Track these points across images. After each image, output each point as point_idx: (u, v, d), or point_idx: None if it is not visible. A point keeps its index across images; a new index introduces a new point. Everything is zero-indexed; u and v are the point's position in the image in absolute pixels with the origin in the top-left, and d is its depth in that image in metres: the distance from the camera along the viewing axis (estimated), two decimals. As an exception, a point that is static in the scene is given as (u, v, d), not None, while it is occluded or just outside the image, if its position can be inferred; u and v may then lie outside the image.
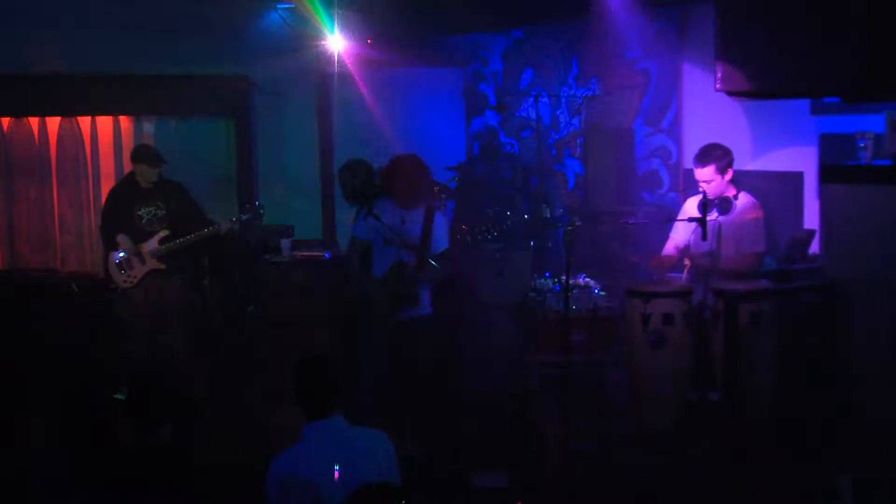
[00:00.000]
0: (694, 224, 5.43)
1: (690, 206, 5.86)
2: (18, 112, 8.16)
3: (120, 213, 6.80)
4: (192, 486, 3.51)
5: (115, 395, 6.80)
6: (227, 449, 5.42)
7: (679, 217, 5.94)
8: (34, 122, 8.23)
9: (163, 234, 6.73)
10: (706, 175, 5.69)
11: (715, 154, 5.69)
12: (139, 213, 6.75)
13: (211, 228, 6.68)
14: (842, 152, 4.99)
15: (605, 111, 8.16)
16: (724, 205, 5.65)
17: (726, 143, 5.77)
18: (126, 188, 6.90)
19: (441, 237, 5.77)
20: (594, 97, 8.20)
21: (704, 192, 5.68)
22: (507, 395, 6.34)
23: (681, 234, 5.95)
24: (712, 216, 5.46)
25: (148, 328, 6.75)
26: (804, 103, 5.84)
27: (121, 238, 6.72)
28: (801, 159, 5.99)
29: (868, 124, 4.92)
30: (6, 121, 8.16)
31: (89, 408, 3.73)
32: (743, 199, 5.71)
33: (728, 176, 5.73)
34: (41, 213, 8.28)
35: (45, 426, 4.96)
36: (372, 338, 5.68)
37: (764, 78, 4.59)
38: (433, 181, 6.03)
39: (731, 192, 5.74)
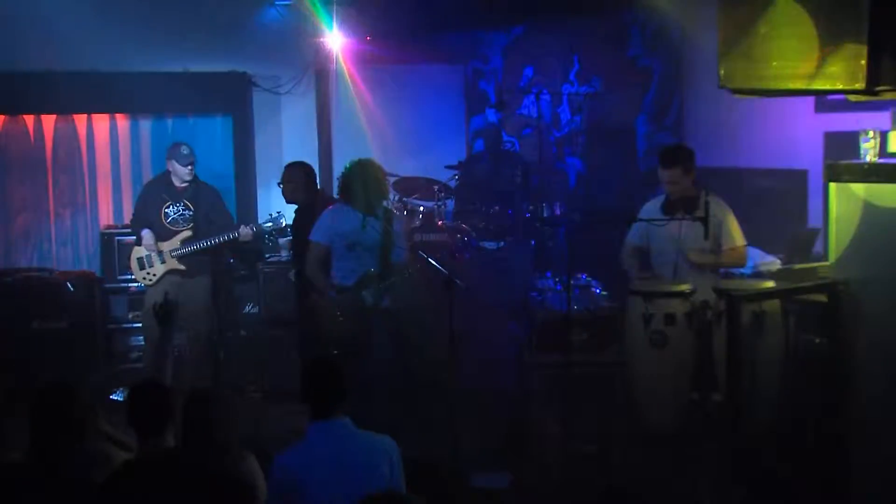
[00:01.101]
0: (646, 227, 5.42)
1: (651, 209, 5.83)
2: (13, 110, 8.15)
3: (149, 210, 6.81)
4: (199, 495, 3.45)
5: (112, 396, 6.88)
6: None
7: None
8: (29, 120, 8.22)
9: (185, 234, 6.72)
10: (674, 176, 5.68)
11: (681, 155, 5.70)
12: (166, 210, 6.75)
13: (231, 235, 6.68)
14: (847, 150, 4.98)
15: (607, 109, 8.16)
16: (689, 205, 5.63)
17: (730, 141, 5.78)
18: (158, 185, 6.91)
19: (400, 247, 5.73)
20: (596, 94, 8.20)
21: (667, 194, 5.66)
22: (508, 395, 6.36)
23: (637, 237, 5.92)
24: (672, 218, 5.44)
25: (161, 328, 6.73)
26: (809, 101, 5.84)
27: (145, 234, 6.72)
28: (805, 157, 5.99)
29: (873, 122, 4.91)
30: (1, 119, 8.16)
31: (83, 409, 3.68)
32: (711, 201, 5.69)
33: (692, 175, 5.71)
34: (36, 212, 8.28)
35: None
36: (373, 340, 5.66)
37: (767, 76, 4.59)
38: (388, 187, 6.02)
39: (692, 194, 5.71)
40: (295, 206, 6.46)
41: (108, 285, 7.75)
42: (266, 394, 7.12)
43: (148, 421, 3.64)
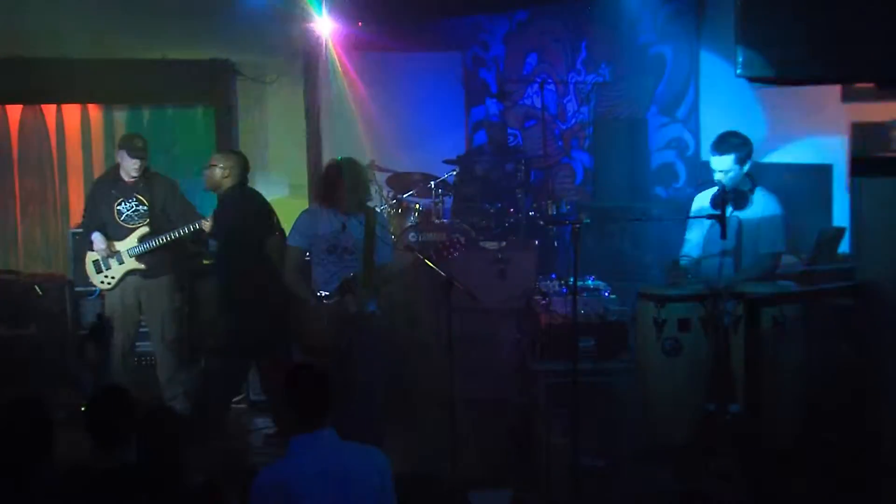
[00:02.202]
0: (709, 222, 5.39)
1: (701, 202, 5.81)
2: (-25, 99, 8.13)
3: (100, 209, 6.72)
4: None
5: (83, 408, 6.85)
6: (206, 466, 5.43)
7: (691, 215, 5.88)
8: (-7, 109, 8.21)
9: (142, 231, 6.66)
10: (724, 164, 5.64)
11: (735, 142, 5.64)
12: (118, 207, 6.67)
13: (195, 226, 6.61)
14: (875, 142, 4.96)
15: (617, 99, 8.15)
16: (740, 200, 5.60)
17: (748, 134, 5.73)
18: (106, 181, 6.82)
19: (384, 249, 5.70)
20: (604, 84, 8.18)
21: (722, 185, 5.63)
22: (509, 405, 6.34)
23: (697, 233, 5.90)
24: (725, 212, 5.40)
25: (126, 334, 6.69)
26: (834, 90, 5.81)
27: (95, 237, 6.64)
28: (830, 150, 5.96)
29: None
30: (-40, 109, 8.14)
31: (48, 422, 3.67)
32: (760, 195, 5.67)
33: (746, 168, 5.68)
34: (2, 209, 8.24)
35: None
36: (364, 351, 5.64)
37: (789, 63, 4.56)
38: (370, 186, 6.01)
39: (746, 187, 5.69)
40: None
41: (79, 289, 7.66)
42: (252, 404, 7.09)
43: (106, 431, 3.64)
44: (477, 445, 5.83)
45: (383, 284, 5.67)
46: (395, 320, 6.73)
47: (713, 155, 5.66)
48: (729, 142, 5.63)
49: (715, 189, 5.66)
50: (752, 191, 5.63)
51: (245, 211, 6.30)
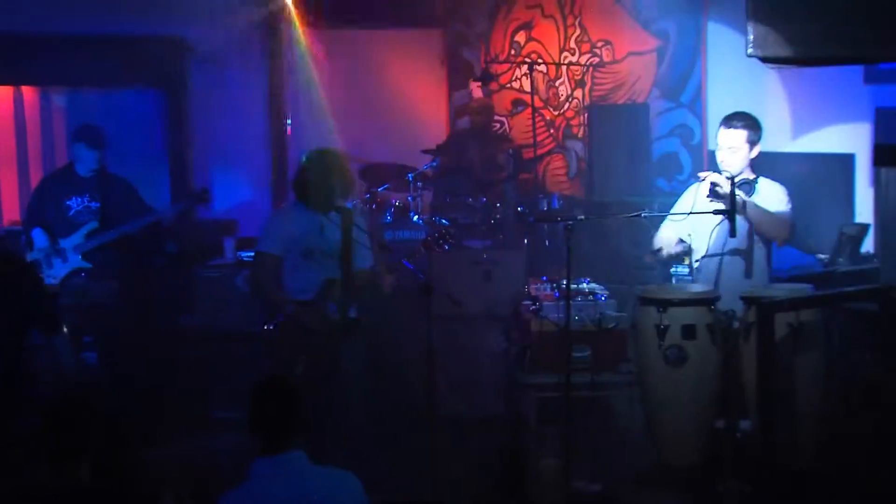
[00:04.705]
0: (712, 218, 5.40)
1: (693, 199, 5.77)
2: None
3: (45, 204, 6.75)
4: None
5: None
6: (160, 490, 5.38)
7: (680, 206, 5.85)
8: None
9: (91, 227, 6.67)
10: (734, 140, 5.61)
11: (747, 121, 5.64)
12: (68, 202, 6.70)
13: (149, 220, 6.60)
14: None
15: (614, 82, 8.16)
16: (743, 190, 5.59)
17: (761, 121, 5.73)
18: (58, 176, 6.90)
19: (363, 252, 5.68)
20: (601, 65, 8.18)
21: (731, 176, 5.60)
22: (496, 423, 6.32)
23: (683, 223, 5.83)
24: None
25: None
26: (856, 71, 5.83)
27: (35, 233, 6.69)
28: (851, 138, 5.99)
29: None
30: None
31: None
32: (766, 185, 5.67)
33: (754, 153, 5.68)
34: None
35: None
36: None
37: (806, 40, 4.56)
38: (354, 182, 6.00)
39: (748, 176, 5.67)
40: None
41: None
42: (210, 422, 7.07)
43: (58, 447, 3.61)
44: (460, 468, 5.81)
45: (362, 292, 5.65)
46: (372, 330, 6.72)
47: (722, 128, 5.63)
48: (742, 117, 5.63)
49: (701, 182, 5.62)
50: (755, 180, 5.62)
51: None
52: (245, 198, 8.63)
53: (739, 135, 5.60)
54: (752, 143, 5.63)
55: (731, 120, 5.64)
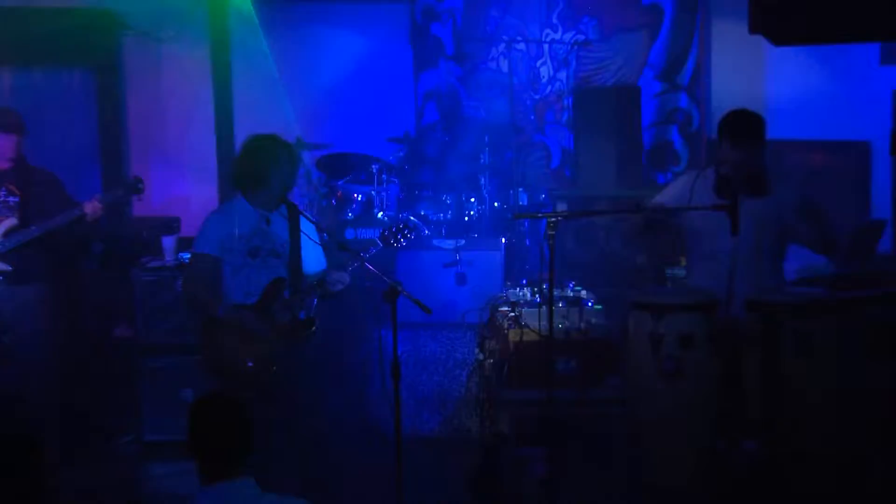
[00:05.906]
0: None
1: (700, 189, 5.77)
2: None
3: None
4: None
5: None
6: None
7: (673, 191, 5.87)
8: None
9: (10, 223, 6.61)
10: (744, 157, 5.63)
11: (760, 128, 5.62)
12: None
13: (75, 213, 6.54)
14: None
15: (602, 62, 8.18)
16: (755, 184, 5.60)
17: (769, 104, 5.76)
18: None
19: (315, 251, 5.69)
20: (586, 43, 8.20)
21: (727, 171, 5.62)
22: (471, 443, 6.32)
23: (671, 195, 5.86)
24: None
25: None
26: (872, 49, 5.86)
27: None
28: (868, 123, 6.01)
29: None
30: None
31: None
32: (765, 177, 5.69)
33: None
34: None
35: None
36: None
37: (816, 16, 4.58)
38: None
39: (758, 171, 5.69)
40: None
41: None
42: (144, 445, 7.03)
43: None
44: (428, 494, 5.81)
45: (322, 297, 5.63)
46: (329, 337, 6.73)
47: (732, 145, 5.61)
48: (755, 129, 5.60)
49: (712, 174, 5.64)
50: (765, 173, 5.64)
51: None
52: (188, 191, 8.61)
53: (755, 146, 5.61)
54: (765, 147, 5.64)
55: (743, 135, 5.60)
